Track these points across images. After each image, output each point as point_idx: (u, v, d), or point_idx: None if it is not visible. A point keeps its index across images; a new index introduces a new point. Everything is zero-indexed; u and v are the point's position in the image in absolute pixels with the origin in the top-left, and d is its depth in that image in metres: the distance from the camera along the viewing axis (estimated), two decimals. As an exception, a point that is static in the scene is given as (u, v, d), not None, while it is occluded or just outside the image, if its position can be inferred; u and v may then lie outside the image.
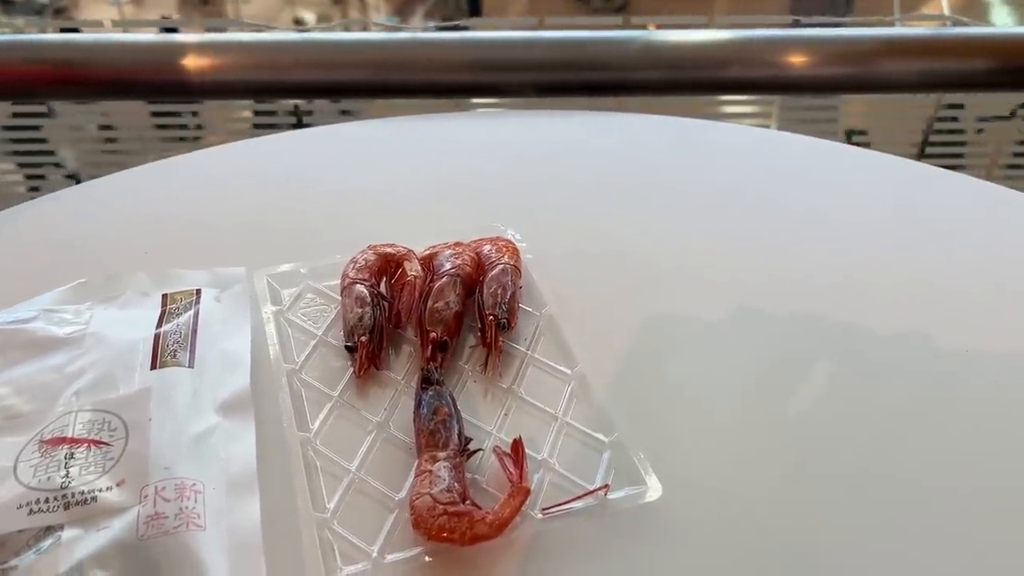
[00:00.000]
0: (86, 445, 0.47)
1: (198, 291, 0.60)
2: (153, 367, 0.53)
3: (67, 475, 0.46)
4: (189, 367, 0.54)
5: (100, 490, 0.45)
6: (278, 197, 0.76)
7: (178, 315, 0.58)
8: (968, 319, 0.62)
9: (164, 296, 0.59)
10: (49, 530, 0.43)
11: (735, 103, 1.55)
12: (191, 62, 1.09)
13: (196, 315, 0.58)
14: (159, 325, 0.57)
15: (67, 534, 0.43)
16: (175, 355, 0.54)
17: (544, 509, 0.48)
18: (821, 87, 1.24)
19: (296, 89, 1.21)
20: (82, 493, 0.45)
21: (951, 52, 1.12)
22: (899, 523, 0.48)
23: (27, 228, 0.72)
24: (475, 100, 1.35)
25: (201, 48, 1.09)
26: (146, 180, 0.80)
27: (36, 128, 1.59)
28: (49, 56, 1.10)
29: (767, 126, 1.52)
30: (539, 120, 0.91)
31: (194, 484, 0.46)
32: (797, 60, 1.12)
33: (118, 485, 0.45)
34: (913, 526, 0.48)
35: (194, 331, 0.56)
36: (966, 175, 0.80)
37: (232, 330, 0.58)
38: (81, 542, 0.43)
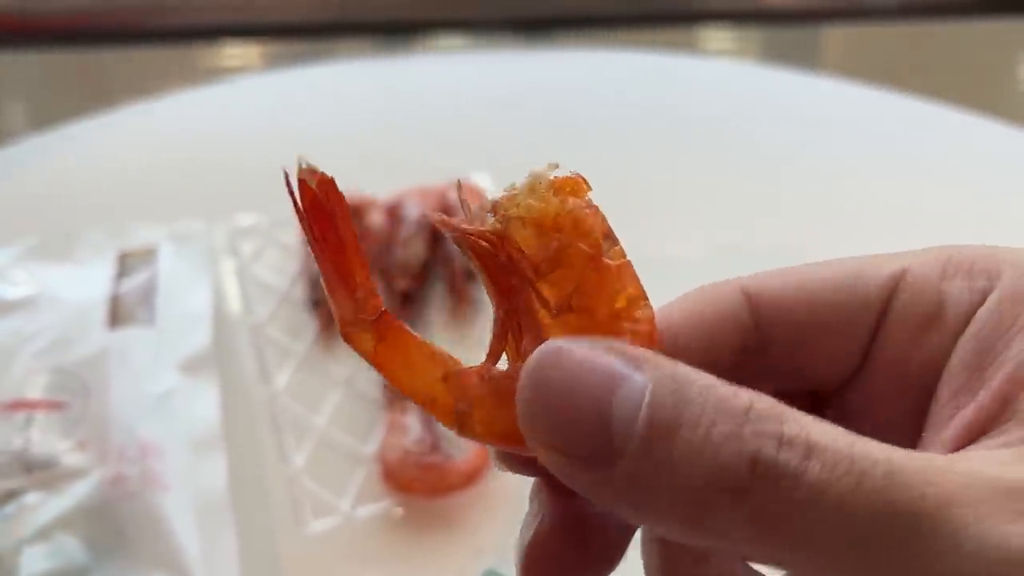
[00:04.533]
0: (46, 408, 0.48)
1: (157, 249, 0.60)
2: (112, 327, 0.53)
3: (27, 438, 0.46)
4: (149, 326, 0.54)
5: (62, 452, 0.46)
6: (236, 146, 0.76)
7: (136, 273, 0.58)
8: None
9: (121, 254, 0.59)
10: (11, 495, 0.44)
11: (712, 38, 1.55)
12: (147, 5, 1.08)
13: (155, 273, 0.58)
14: (116, 283, 0.57)
15: (30, 498, 0.44)
16: (134, 314, 0.54)
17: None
18: (800, 17, 1.24)
19: (254, 31, 1.19)
20: (44, 456, 0.45)
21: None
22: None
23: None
24: (434, 39, 1.34)
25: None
26: (97, 132, 0.79)
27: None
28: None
29: (745, 60, 1.52)
30: (503, 59, 0.91)
31: (157, 444, 0.47)
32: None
33: (80, 447, 0.46)
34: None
35: (153, 289, 0.57)
36: (946, 106, 0.81)
37: (192, 287, 0.58)
38: (45, 506, 0.44)
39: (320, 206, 0.20)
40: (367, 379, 0.54)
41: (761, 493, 0.17)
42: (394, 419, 0.50)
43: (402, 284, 0.58)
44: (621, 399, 0.18)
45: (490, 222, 0.20)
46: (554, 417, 0.18)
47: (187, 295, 0.58)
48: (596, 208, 0.20)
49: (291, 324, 0.58)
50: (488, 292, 0.21)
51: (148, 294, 0.56)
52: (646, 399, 0.18)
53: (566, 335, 0.20)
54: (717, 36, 1.54)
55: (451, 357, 0.21)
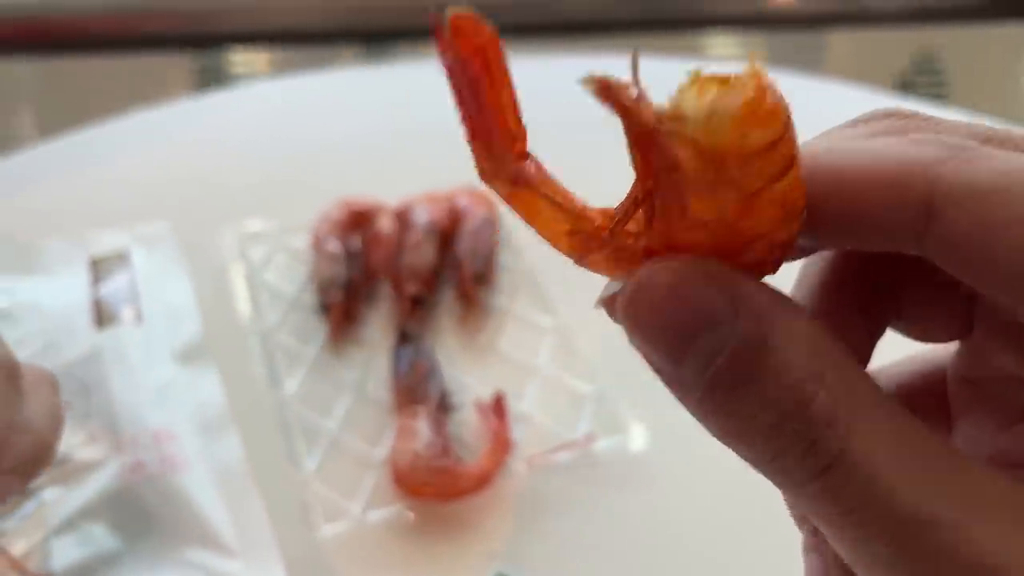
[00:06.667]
0: None
1: (128, 252, 0.61)
2: (99, 328, 0.55)
3: None
4: (137, 323, 0.55)
5: (74, 448, 0.47)
6: (245, 153, 0.76)
7: (112, 277, 0.59)
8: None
9: (93, 261, 0.61)
10: (28, 493, 0.45)
11: (717, 44, 1.55)
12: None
13: (133, 275, 0.59)
14: (94, 288, 0.58)
15: (48, 494, 0.45)
16: (119, 315, 0.56)
17: (528, 461, 0.50)
18: (805, 22, 1.25)
19: (262, 37, 1.20)
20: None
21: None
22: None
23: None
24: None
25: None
26: (105, 139, 0.79)
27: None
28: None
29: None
30: (510, 64, 0.91)
31: (169, 430, 0.48)
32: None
33: (91, 440, 0.47)
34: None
35: (135, 290, 0.58)
36: (953, 111, 0.81)
37: (171, 282, 0.60)
38: (66, 499, 0.45)
39: (473, 56, 0.20)
40: (377, 383, 0.55)
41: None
42: (404, 423, 0.51)
43: (412, 289, 0.58)
44: (702, 344, 0.19)
45: (655, 117, 0.19)
46: (642, 334, 0.20)
47: (168, 290, 0.59)
48: (777, 142, 0.19)
49: (301, 329, 0.58)
50: (633, 162, 0.20)
51: (132, 295, 0.58)
52: (725, 354, 0.18)
53: (696, 240, 0.20)
54: (722, 41, 1.55)
55: (583, 211, 0.22)
